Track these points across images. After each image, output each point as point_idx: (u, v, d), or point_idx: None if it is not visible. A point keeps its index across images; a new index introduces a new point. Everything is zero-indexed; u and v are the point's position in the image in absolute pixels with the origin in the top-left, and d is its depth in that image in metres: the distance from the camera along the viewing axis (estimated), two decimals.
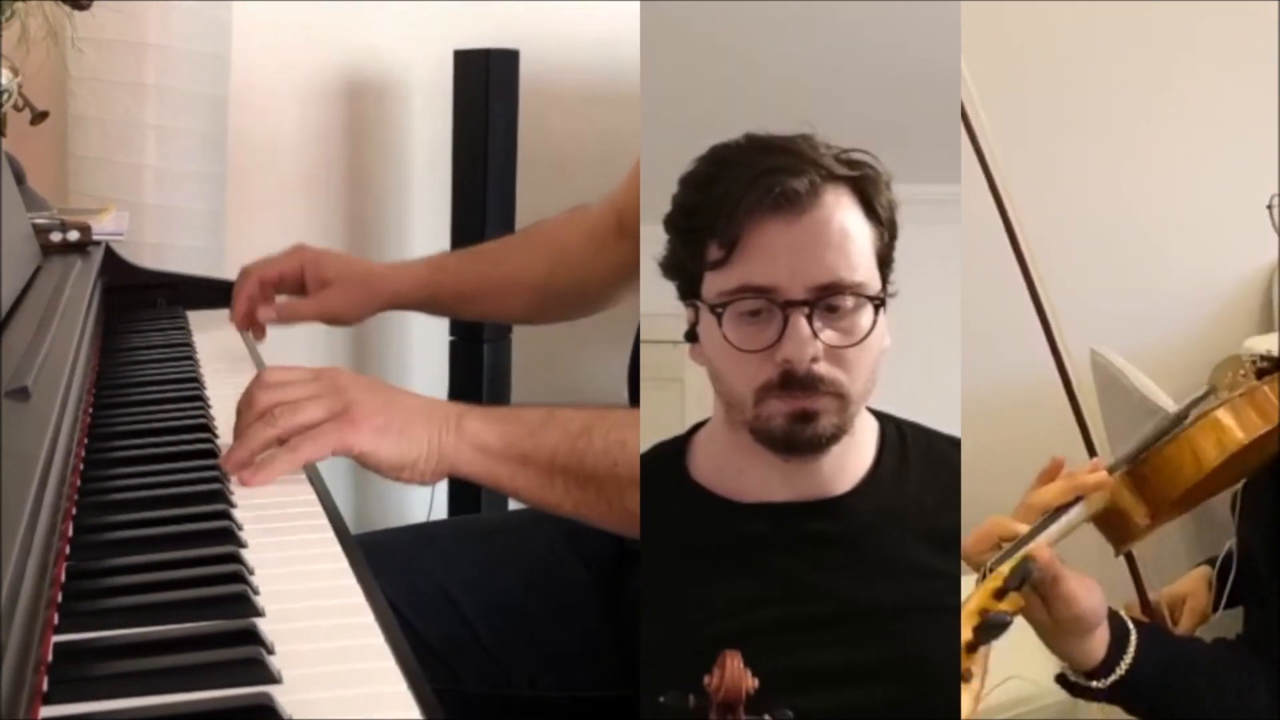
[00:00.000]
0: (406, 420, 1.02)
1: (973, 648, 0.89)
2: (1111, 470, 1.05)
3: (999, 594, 0.94)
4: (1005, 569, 0.96)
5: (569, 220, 1.58)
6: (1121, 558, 1.23)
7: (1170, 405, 1.60)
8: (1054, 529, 1.01)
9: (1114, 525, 1.07)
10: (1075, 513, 1.03)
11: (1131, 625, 1.03)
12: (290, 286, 1.54)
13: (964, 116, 1.18)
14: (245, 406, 1.03)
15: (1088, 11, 2.27)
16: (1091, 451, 1.23)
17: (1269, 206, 1.18)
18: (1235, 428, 1.04)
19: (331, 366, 1.08)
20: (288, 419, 1.00)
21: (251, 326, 1.53)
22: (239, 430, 1.03)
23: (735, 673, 0.73)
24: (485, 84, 2.28)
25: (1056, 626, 0.99)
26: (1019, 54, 2.30)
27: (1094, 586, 0.99)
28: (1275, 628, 1.09)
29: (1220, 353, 2.40)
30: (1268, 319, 2.43)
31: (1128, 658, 1.01)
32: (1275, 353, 1.13)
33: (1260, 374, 1.10)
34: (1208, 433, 1.04)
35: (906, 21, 1.97)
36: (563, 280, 1.54)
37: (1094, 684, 1.02)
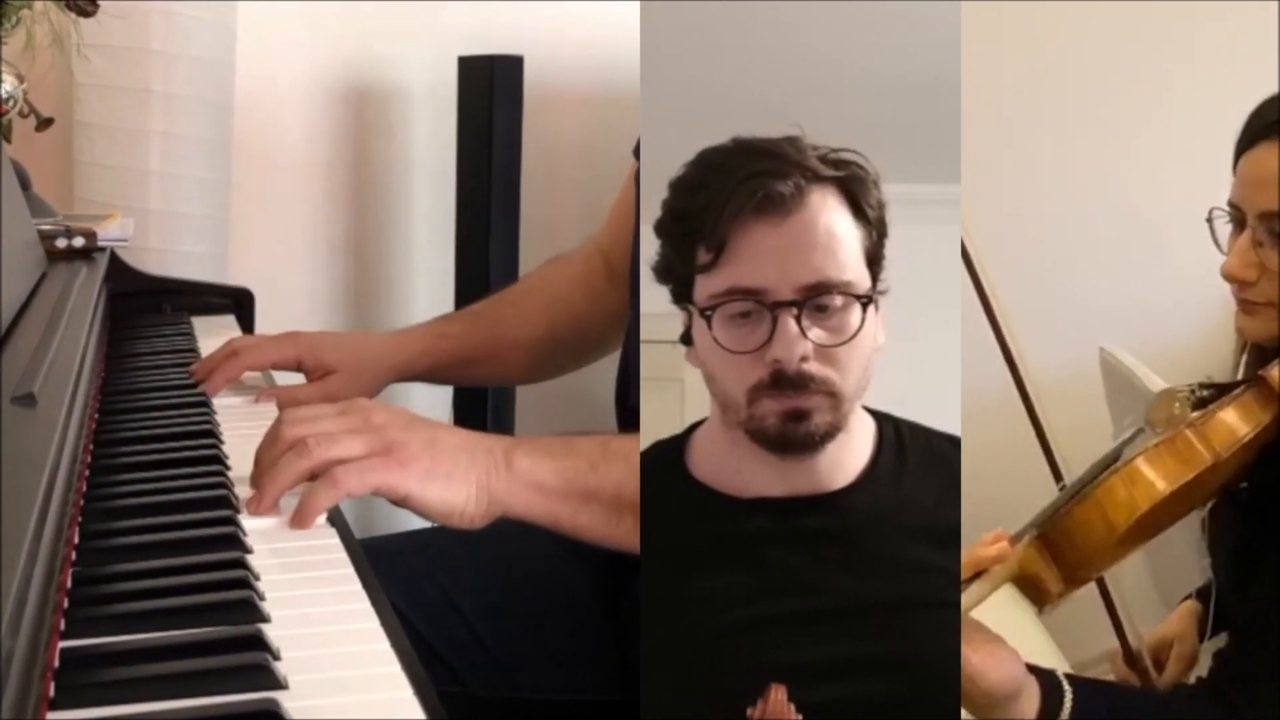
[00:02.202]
0: (452, 462, 0.96)
1: None
2: (1018, 536, 0.98)
3: None
4: None
5: (556, 270, 1.55)
6: (1101, 603, 1.16)
7: None
8: None
9: (1029, 591, 1.01)
10: (976, 588, 0.96)
11: (1067, 685, 0.97)
12: (282, 370, 1.43)
13: None
14: (270, 442, 0.97)
15: (1095, 11, 2.27)
16: (1053, 464, 1.18)
17: (1208, 220, 1.13)
18: (1152, 479, 0.95)
19: (359, 400, 1.02)
20: (323, 451, 0.94)
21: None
22: (264, 466, 0.96)
23: (779, 706, 0.74)
24: (489, 90, 2.28)
25: (969, 702, 0.94)
26: (1024, 53, 2.29)
27: (1004, 656, 0.94)
28: (1238, 658, 1.05)
29: (1230, 350, 2.40)
30: None
31: (1063, 717, 0.95)
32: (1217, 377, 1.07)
33: (1200, 404, 1.02)
34: (1119, 490, 0.95)
35: (907, 22, 1.97)
36: (564, 332, 1.50)
37: None
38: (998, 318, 1.13)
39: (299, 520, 0.93)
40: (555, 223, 2.42)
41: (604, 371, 1.51)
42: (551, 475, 0.98)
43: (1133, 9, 2.27)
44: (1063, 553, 0.97)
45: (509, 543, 1.37)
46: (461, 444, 0.98)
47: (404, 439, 0.96)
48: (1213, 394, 1.04)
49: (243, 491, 0.96)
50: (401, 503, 0.96)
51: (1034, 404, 1.14)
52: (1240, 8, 2.24)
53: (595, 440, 1.02)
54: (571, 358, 1.56)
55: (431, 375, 1.52)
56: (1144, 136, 2.39)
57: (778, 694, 0.75)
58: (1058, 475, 1.17)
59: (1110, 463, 0.99)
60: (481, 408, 2.27)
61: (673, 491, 0.89)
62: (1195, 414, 1.01)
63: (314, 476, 0.94)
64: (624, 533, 0.99)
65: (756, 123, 0.88)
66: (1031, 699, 0.96)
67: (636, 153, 1.46)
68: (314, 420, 0.97)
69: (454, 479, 0.96)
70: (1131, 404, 1.69)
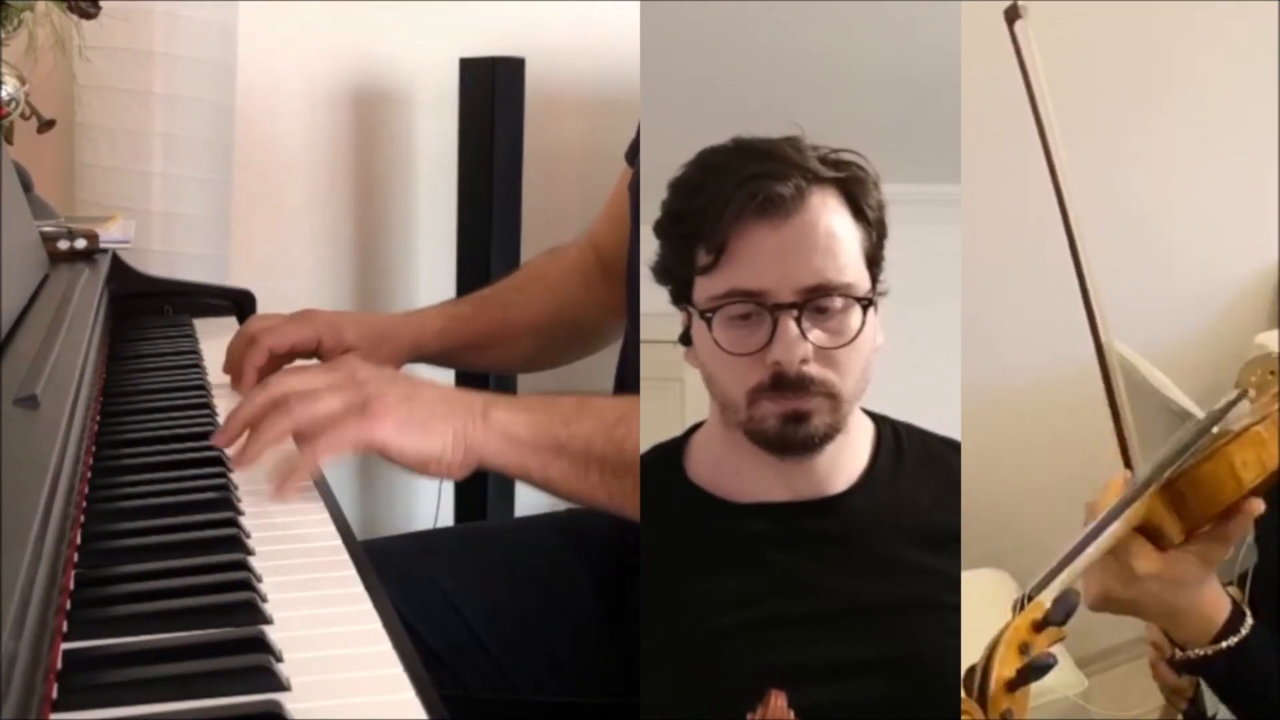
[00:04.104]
0: (429, 413, 1.00)
1: (1014, 686, 0.86)
2: (1147, 483, 1.02)
3: (1038, 626, 0.91)
4: (1046, 600, 0.93)
5: (554, 261, 1.56)
6: None
7: (1183, 399, 1.58)
8: (1114, 527, 0.99)
9: (1151, 536, 1.03)
10: (1111, 531, 1.00)
11: (1249, 614, 1.04)
12: (301, 355, 1.41)
13: (1030, 92, 1.16)
14: (256, 393, 1.01)
15: (1098, 8, 2.27)
16: (1124, 447, 1.21)
17: None
18: (1274, 444, 1.00)
19: (346, 357, 1.06)
20: (304, 409, 0.98)
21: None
22: (244, 414, 1.00)
23: (778, 710, 0.74)
24: (491, 92, 2.29)
25: (1206, 570, 1.00)
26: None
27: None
28: None
29: (1232, 347, 2.38)
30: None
31: (1244, 629, 1.02)
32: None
33: None
34: (1248, 450, 1.00)
35: (907, 22, 1.97)
36: (566, 319, 1.52)
37: (1209, 650, 1.02)
38: (1091, 297, 1.16)
39: (283, 483, 0.97)
40: (557, 224, 2.42)
41: (606, 364, 1.51)
42: (525, 427, 1.01)
43: (1143, 8, 2.27)
44: (1188, 504, 1.01)
45: (510, 544, 1.37)
46: (440, 396, 1.02)
47: (383, 391, 0.99)
48: None
49: (245, 495, 0.98)
50: (379, 454, 0.98)
51: (1115, 383, 1.16)
52: (1246, 8, 2.25)
53: (572, 398, 1.04)
54: (573, 345, 1.58)
55: (442, 357, 1.53)
56: (1148, 136, 2.39)
57: (777, 699, 0.75)
58: (1125, 452, 1.19)
59: (1214, 421, 1.03)
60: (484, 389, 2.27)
61: (671, 494, 0.89)
62: None
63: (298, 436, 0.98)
64: (591, 487, 1.02)
65: (757, 123, 0.88)
66: (1222, 610, 1.02)
67: (628, 158, 1.47)
68: (300, 376, 1.01)
69: (430, 429, 0.99)
70: (1135, 398, 1.70)
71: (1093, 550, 0.98)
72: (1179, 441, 1.03)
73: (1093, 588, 1.01)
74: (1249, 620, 1.02)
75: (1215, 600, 1.03)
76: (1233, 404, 1.04)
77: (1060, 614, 0.91)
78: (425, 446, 0.99)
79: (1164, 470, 1.01)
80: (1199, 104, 2.37)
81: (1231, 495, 1.00)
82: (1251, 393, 1.03)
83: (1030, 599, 0.94)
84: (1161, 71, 2.38)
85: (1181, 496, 1.01)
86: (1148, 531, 1.02)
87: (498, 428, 1.01)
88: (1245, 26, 2.28)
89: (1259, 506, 0.98)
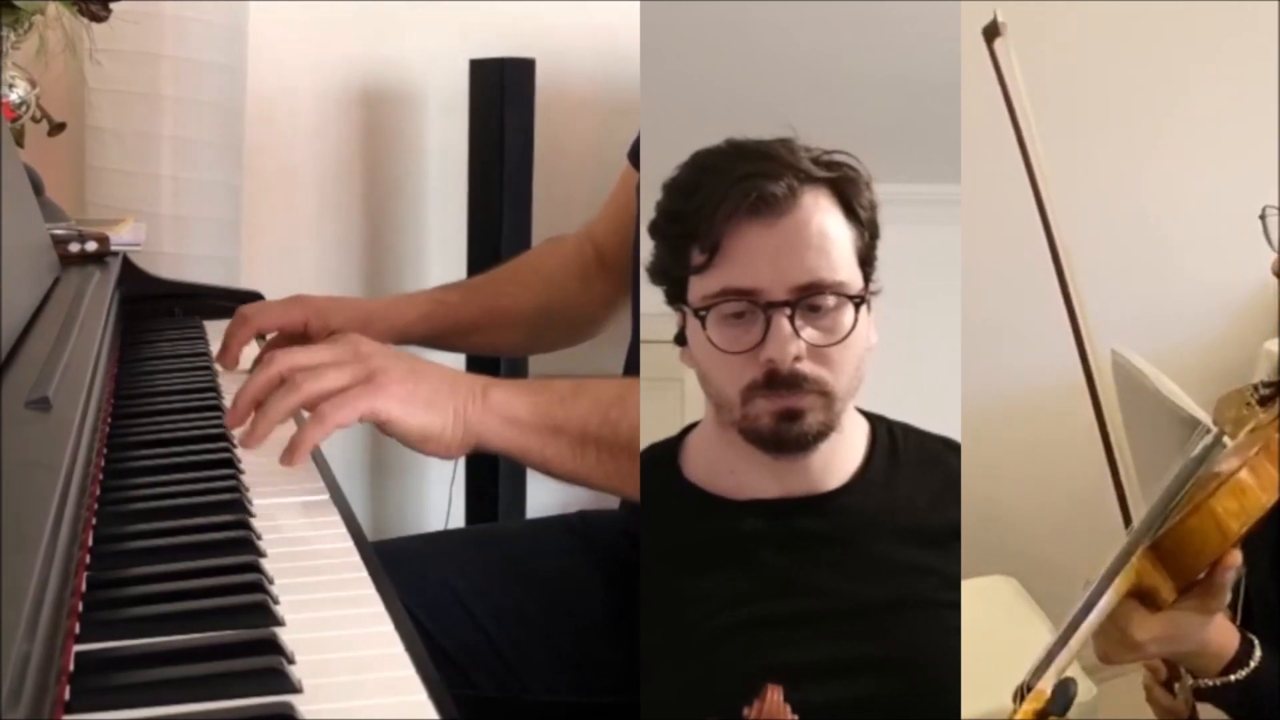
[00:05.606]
0: (432, 390, 1.01)
1: None
2: (1133, 545, 1.00)
3: (1041, 717, 0.91)
4: (1046, 688, 0.93)
5: (551, 251, 1.59)
6: None
7: (1191, 406, 1.58)
8: (1101, 605, 0.98)
9: (1144, 599, 1.02)
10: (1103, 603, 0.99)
11: (1257, 644, 1.04)
12: (289, 336, 1.45)
13: (1010, 109, 1.15)
14: (260, 371, 1.02)
15: (1107, 13, 2.27)
16: (1110, 455, 1.21)
17: (1261, 217, 1.15)
18: (1258, 489, 0.99)
19: (349, 333, 1.07)
20: (310, 385, 0.99)
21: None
22: (251, 390, 1.01)
23: (775, 706, 0.74)
24: (500, 93, 2.29)
25: (1207, 618, 0.99)
26: (1037, 56, 2.29)
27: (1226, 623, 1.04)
28: None
29: (1241, 354, 2.37)
30: None
31: (1254, 661, 1.02)
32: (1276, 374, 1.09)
33: (1263, 401, 1.05)
34: (1229, 500, 0.98)
35: (907, 22, 1.97)
36: (557, 310, 1.55)
37: (1218, 682, 1.03)
38: (1076, 310, 1.15)
39: (290, 456, 0.98)
40: (567, 224, 2.41)
41: (615, 354, 1.52)
42: (524, 408, 1.03)
43: (1151, 9, 2.27)
44: (1176, 561, 1.00)
45: (521, 545, 1.38)
46: (442, 375, 1.04)
47: (387, 366, 1.01)
48: (1272, 391, 1.06)
49: (256, 495, 0.98)
50: (383, 427, 1.00)
51: (1100, 397, 1.15)
52: (1253, 12, 2.24)
53: (569, 380, 1.06)
54: (562, 335, 1.60)
55: (430, 340, 1.55)
56: (1156, 145, 2.39)
57: (774, 694, 0.76)
58: (1114, 469, 1.18)
59: (1195, 468, 1.01)
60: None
61: (668, 493, 0.90)
62: (1263, 412, 1.04)
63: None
64: (588, 468, 1.04)
65: (758, 123, 0.89)
66: (1231, 643, 1.03)
67: (631, 157, 1.48)
68: (304, 351, 1.03)
69: (433, 406, 1.01)
70: (1142, 405, 1.69)
71: (1086, 628, 0.97)
72: (1163, 497, 1.01)
73: (1098, 648, 1.01)
74: (1258, 652, 1.02)
75: (1223, 636, 1.03)
76: (1210, 448, 1.02)
77: (1060, 706, 0.91)
78: (426, 422, 1.01)
79: (1150, 529, 1.00)
80: (1207, 110, 2.37)
81: (1217, 548, 0.98)
82: (1228, 427, 1.02)
83: (1029, 687, 0.93)
84: (1169, 77, 2.37)
85: (1170, 555, 0.99)
86: (1141, 594, 1.01)
87: (497, 408, 1.03)
88: (1252, 32, 2.27)
89: (1236, 559, 0.97)
